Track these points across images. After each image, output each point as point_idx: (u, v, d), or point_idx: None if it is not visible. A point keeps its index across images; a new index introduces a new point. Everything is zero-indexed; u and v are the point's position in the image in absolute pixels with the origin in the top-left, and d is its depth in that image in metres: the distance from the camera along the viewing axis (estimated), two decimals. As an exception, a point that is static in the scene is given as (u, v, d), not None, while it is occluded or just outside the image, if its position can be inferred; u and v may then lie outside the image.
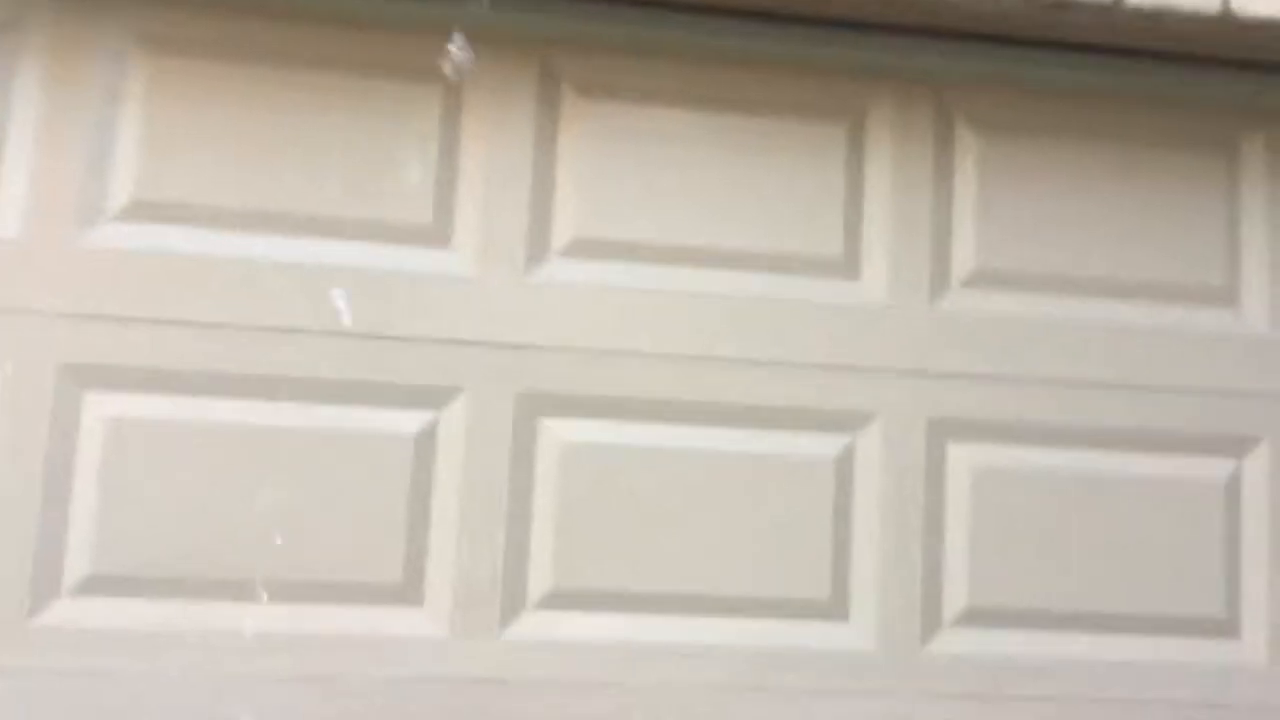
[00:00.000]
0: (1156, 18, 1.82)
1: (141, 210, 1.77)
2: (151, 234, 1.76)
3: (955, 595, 1.88)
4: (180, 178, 1.78)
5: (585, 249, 1.87)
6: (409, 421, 1.79)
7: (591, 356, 1.83)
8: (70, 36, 1.78)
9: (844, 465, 1.88)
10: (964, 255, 1.95)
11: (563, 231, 1.87)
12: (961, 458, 1.90)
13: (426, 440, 1.79)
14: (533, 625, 1.78)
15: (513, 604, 1.78)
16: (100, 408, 1.71)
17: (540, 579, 1.79)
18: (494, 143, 1.86)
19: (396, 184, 1.83)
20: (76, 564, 1.68)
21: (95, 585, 1.69)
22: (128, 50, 1.79)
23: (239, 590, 1.71)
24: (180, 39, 1.81)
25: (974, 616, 1.88)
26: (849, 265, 1.93)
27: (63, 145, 1.76)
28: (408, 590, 1.76)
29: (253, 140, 1.80)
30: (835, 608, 1.86)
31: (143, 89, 1.79)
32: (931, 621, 1.87)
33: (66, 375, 1.71)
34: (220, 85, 1.80)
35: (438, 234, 1.84)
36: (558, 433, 1.82)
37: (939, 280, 1.94)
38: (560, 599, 1.79)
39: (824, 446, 1.88)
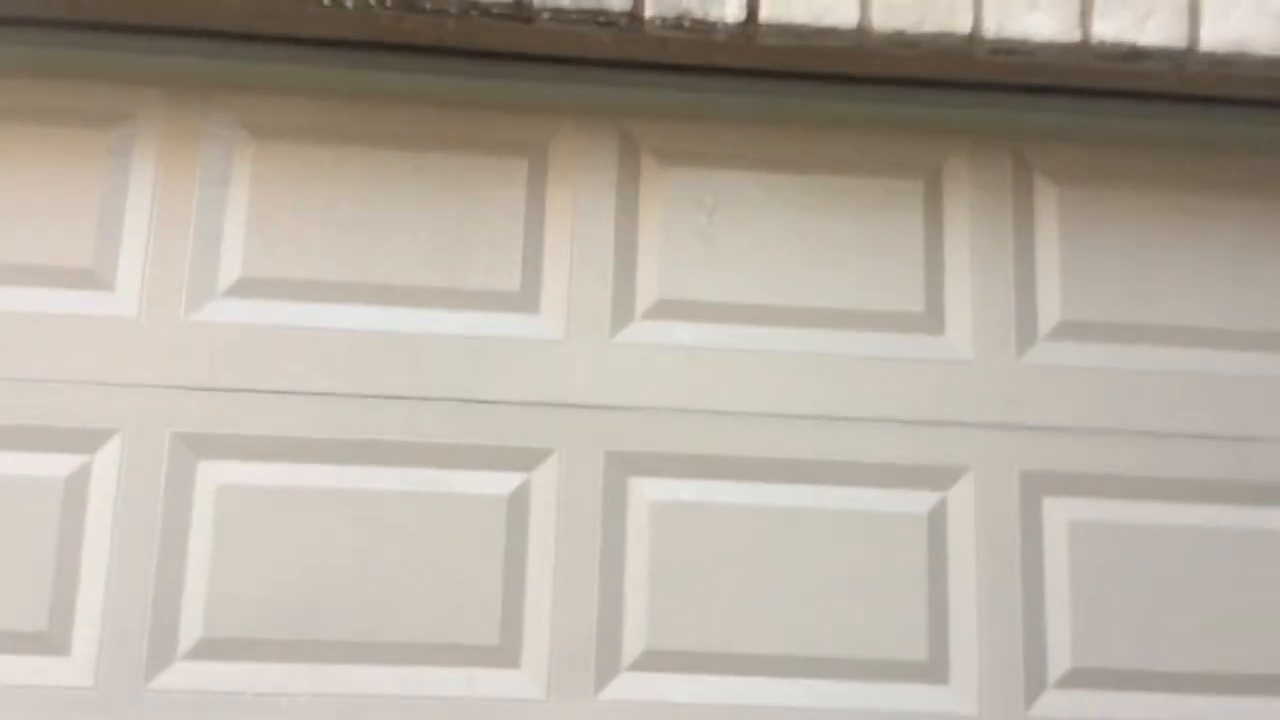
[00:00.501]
0: (1231, 63, 1.94)
1: (249, 287, 1.97)
2: (259, 309, 1.96)
3: (1059, 655, 1.95)
4: (284, 255, 1.99)
5: (669, 311, 2.02)
6: (502, 483, 1.94)
7: (680, 416, 1.98)
8: (179, 126, 2.02)
9: (937, 521, 1.98)
10: (1049, 307, 2.06)
11: (646, 295, 2.03)
12: (1057, 511, 1.99)
13: (519, 502, 1.94)
14: (628, 686, 1.90)
15: (608, 665, 1.90)
16: (213, 476, 1.90)
17: (635, 640, 1.91)
18: (577, 211, 2.04)
19: (486, 254, 2.02)
20: (191, 628, 1.85)
21: (209, 649, 1.85)
22: (234, 137, 2.02)
23: (344, 653, 1.86)
24: (281, 125, 2.03)
25: (1079, 678, 1.94)
26: (932, 320, 2.05)
27: (175, 228, 1.98)
28: (505, 651, 1.89)
29: (350, 217, 2.01)
30: (934, 669, 1.94)
31: (248, 173, 2.01)
32: (1035, 683, 1.94)
33: (181, 445, 1.90)
34: (319, 167, 2.02)
35: (526, 300, 2.02)
36: (648, 492, 1.96)
37: (1025, 333, 2.05)
38: (655, 660, 1.91)
39: (916, 503, 1.99)
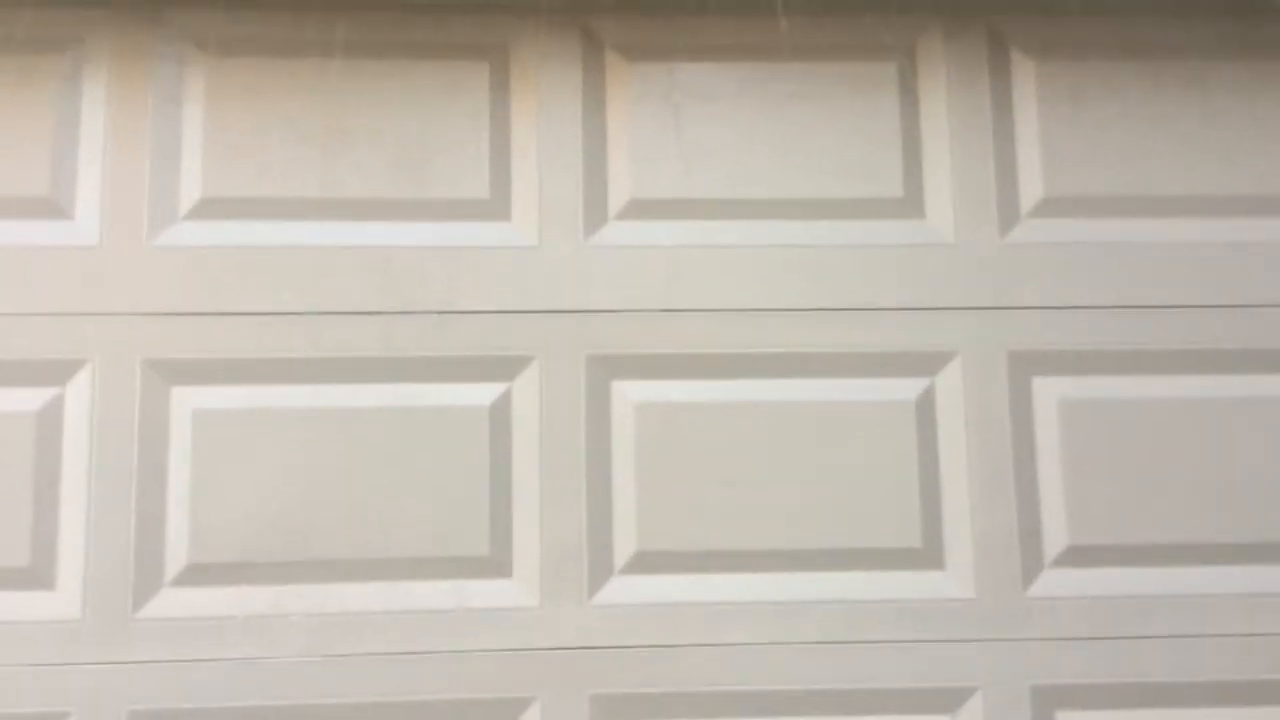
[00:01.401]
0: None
1: (211, 207, 1.93)
2: (222, 230, 1.92)
3: (1055, 534, 1.93)
4: (245, 173, 1.94)
5: (643, 210, 1.98)
6: (483, 394, 1.91)
7: (660, 316, 1.94)
8: (130, 47, 1.96)
9: (926, 407, 1.95)
10: (1031, 184, 2.01)
11: (619, 195, 1.98)
12: (1047, 390, 1.96)
13: (502, 411, 1.91)
14: (621, 590, 1.88)
15: (600, 569, 1.88)
16: (188, 401, 1.87)
17: (625, 542, 1.89)
18: (543, 113, 1.99)
19: (452, 162, 1.96)
20: (175, 555, 1.83)
21: (195, 575, 1.83)
22: (186, 55, 1.96)
23: (331, 571, 1.85)
24: (234, 39, 1.97)
25: (1076, 556, 1.92)
26: (912, 205, 2.00)
27: (131, 152, 1.93)
28: (495, 562, 1.87)
29: (310, 131, 1.95)
30: (929, 555, 1.92)
31: (203, 90, 1.95)
32: (1032, 564, 1.92)
33: (152, 372, 1.87)
34: (275, 80, 1.96)
35: (496, 207, 1.97)
36: (631, 394, 1.92)
37: (1007, 212, 2.00)
38: (647, 561, 1.89)
39: (903, 390, 1.95)
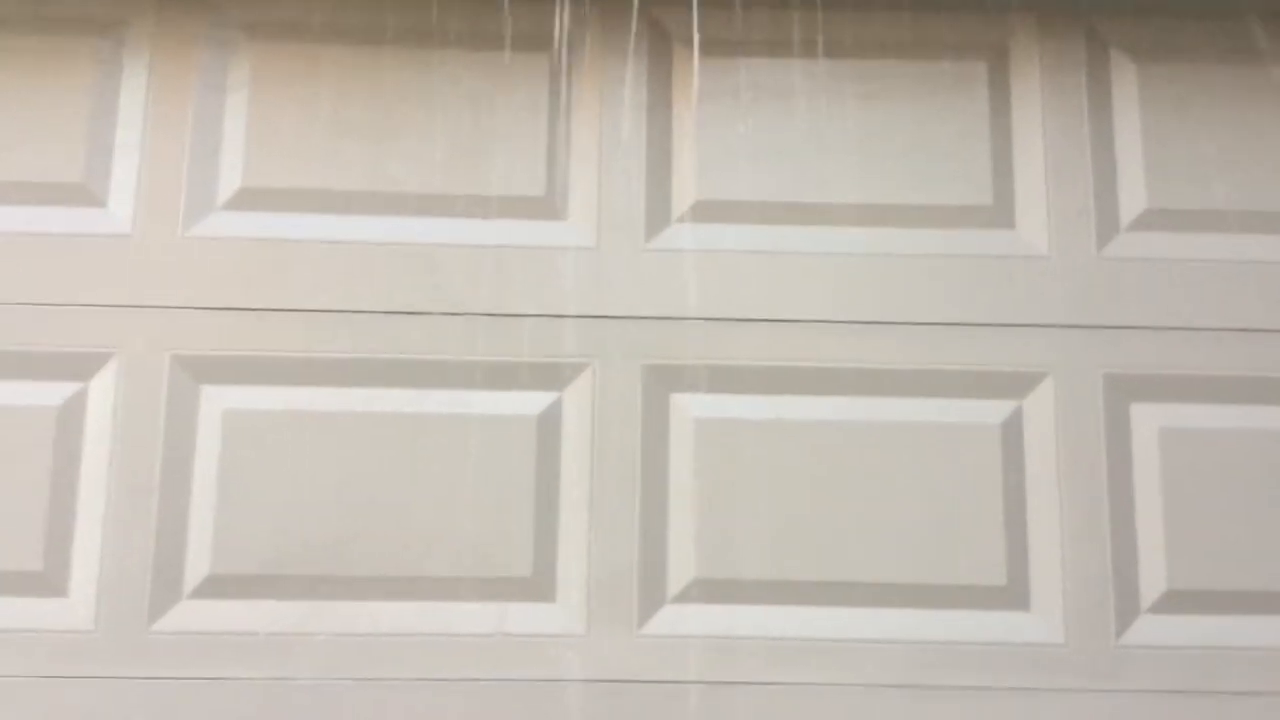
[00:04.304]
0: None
1: (250, 198, 1.86)
2: (262, 222, 1.85)
3: (1152, 577, 1.80)
4: (288, 163, 1.87)
5: (708, 212, 1.89)
6: (532, 402, 1.82)
7: (724, 326, 1.84)
8: (174, 31, 1.91)
9: (1013, 432, 1.83)
10: (1132, 195, 1.91)
11: (683, 196, 1.90)
12: (1147, 418, 1.84)
13: (551, 422, 1.81)
14: (674, 619, 1.78)
15: (652, 596, 1.78)
16: (218, 400, 1.79)
17: (681, 568, 1.79)
18: (605, 109, 1.91)
19: (506, 156, 1.89)
20: (197, 565, 1.75)
21: (218, 586, 1.75)
22: (231, 40, 1.91)
23: (364, 589, 1.75)
24: (282, 24, 1.92)
25: (1175, 601, 1.80)
26: (1002, 213, 1.90)
27: (170, 139, 1.88)
28: (539, 584, 1.77)
29: (358, 121, 1.89)
30: (1014, 595, 1.79)
31: (247, 77, 1.90)
32: (1127, 608, 1.80)
33: (181, 368, 1.80)
34: (323, 68, 1.90)
35: (552, 206, 1.89)
36: (691, 409, 1.82)
37: (1106, 224, 1.90)
38: (704, 589, 1.78)
39: (989, 413, 1.84)
